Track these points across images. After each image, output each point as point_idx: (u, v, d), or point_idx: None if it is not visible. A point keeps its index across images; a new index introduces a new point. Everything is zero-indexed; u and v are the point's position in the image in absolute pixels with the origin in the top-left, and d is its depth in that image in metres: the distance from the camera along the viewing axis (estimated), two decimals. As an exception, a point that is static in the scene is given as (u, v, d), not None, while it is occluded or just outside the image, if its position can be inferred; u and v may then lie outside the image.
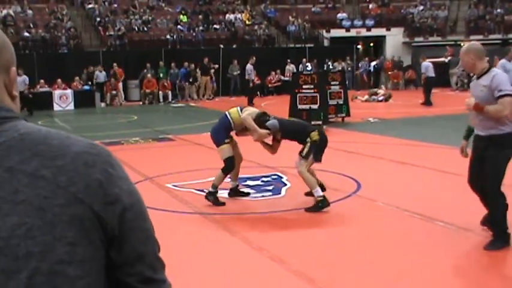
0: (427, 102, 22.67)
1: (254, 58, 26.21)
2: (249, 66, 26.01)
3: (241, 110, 8.33)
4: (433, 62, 33.50)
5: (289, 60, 31.69)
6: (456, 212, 7.35)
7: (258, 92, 30.15)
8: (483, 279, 5.27)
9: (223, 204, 8.08)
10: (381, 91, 26.86)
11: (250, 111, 8.26)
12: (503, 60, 15.22)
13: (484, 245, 5.85)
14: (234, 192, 8.52)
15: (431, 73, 22.82)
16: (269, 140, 8.33)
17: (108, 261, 1.31)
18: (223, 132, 8.25)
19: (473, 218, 7.01)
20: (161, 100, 28.25)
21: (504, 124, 5.75)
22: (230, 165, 8.12)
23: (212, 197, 8.05)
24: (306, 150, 7.77)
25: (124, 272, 1.33)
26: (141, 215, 1.36)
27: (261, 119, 8.07)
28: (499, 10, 37.53)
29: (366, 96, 25.81)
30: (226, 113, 8.40)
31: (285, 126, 8.12)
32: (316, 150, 7.81)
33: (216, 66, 30.12)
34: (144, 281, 1.34)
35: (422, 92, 23.30)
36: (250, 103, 23.48)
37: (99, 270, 1.29)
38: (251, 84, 26.52)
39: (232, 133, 8.43)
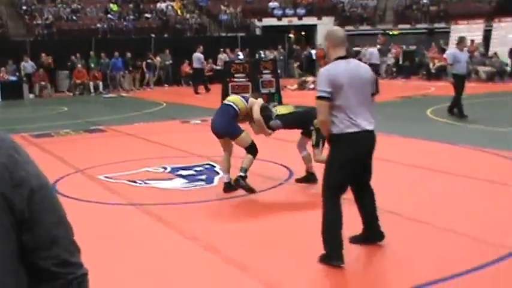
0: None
1: (201, 47, 26.37)
2: (197, 55, 26.18)
3: (246, 100, 8.10)
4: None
5: (222, 49, 31.64)
6: (384, 197, 7.52)
7: (190, 81, 30.13)
8: (411, 260, 5.41)
9: (253, 191, 7.85)
10: (310, 78, 27.08)
11: (257, 105, 7.99)
12: (453, 50, 15.44)
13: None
14: (229, 186, 8.06)
15: (376, 60, 22.97)
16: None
17: (21, 246, 1.32)
18: (235, 122, 7.98)
19: (400, 203, 7.21)
20: (92, 91, 27.73)
21: (333, 123, 5.15)
22: (255, 148, 7.92)
23: (243, 181, 7.78)
24: (314, 139, 7.88)
25: (39, 256, 1.34)
26: (50, 198, 1.38)
27: (265, 115, 7.98)
28: (425, 0, 38.51)
29: (295, 86, 25.98)
30: (230, 103, 8.07)
31: (287, 122, 8.11)
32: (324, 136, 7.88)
33: (158, 59, 29.88)
34: (60, 264, 1.36)
35: None
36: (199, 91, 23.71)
37: (10, 254, 1.29)
38: (207, 72, 26.84)
39: None
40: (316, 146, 7.90)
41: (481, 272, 4.96)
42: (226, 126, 7.94)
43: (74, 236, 1.43)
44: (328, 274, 5.08)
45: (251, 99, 8.17)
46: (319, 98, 5.08)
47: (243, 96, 8.35)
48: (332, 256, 5.09)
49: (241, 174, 7.79)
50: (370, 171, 5.50)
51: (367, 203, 5.59)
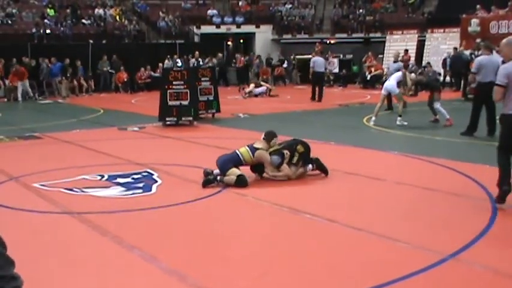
0: (315, 98, 23.17)
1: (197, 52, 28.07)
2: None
3: (252, 153, 9.07)
4: (301, 59, 34.49)
5: (168, 56, 31.41)
6: (322, 204, 7.66)
7: (129, 89, 29.92)
8: (347, 267, 5.53)
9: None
10: (266, 84, 27.75)
11: (267, 159, 9.12)
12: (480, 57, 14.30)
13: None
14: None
15: (320, 68, 23.27)
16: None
17: None
18: (230, 164, 8.95)
19: (338, 211, 7.35)
20: (21, 96, 26.90)
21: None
22: (241, 182, 8.76)
23: (212, 180, 8.81)
24: (296, 159, 9.20)
25: None
26: None
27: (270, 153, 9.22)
28: (361, 10, 39.31)
29: (252, 85, 26.35)
30: (239, 153, 9.10)
31: (281, 154, 9.22)
32: (306, 158, 9.33)
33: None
34: None
35: (311, 88, 23.76)
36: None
37: None
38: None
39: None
40: (295, 164, 9.19)
41: (414, 278, 5.10)
42: (220, 164, 8.97)
43: (6, 249, 1.42)
44: (262, 282, 5.14)
45: (258, 152, 9.07)
46: (496, 84, 7.26)
47: (250, 146, 9.20)
48: None
49: (218, 177, 8.87)
50: None
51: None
